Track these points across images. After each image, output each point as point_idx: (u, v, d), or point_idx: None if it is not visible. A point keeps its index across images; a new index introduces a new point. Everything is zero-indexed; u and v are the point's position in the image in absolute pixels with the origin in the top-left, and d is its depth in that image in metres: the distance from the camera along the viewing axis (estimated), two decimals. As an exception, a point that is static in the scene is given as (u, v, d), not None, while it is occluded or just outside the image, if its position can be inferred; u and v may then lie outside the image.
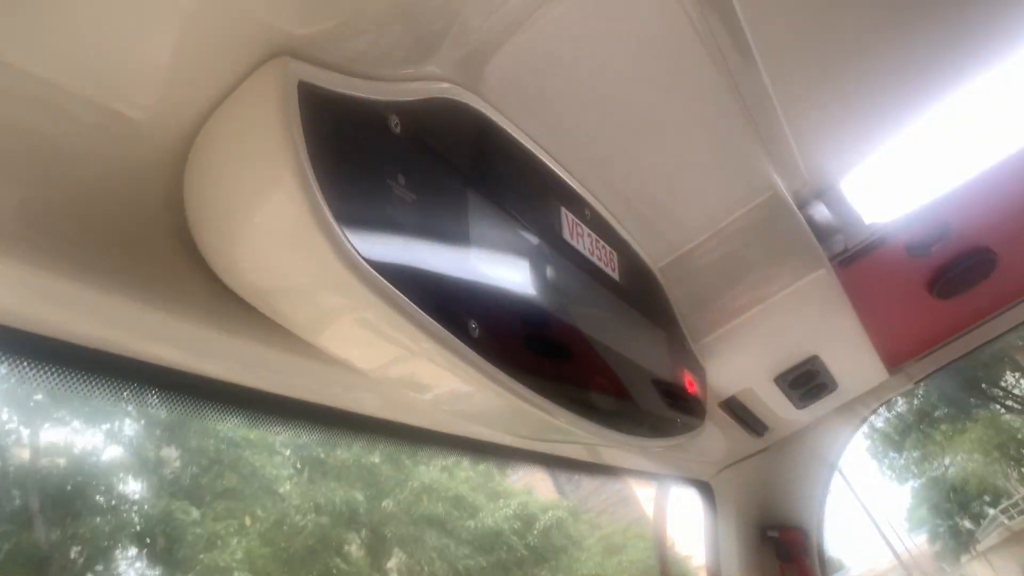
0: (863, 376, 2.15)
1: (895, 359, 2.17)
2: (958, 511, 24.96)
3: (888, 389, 2.30)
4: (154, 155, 0.64)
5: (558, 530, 15.91)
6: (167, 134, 0.63)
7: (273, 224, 0.61)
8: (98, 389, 0.72)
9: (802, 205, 1.49)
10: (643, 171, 1.22)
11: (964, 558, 24.95)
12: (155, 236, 0.67)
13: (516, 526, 15.41)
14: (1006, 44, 1.31)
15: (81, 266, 0.62)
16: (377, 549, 14.75)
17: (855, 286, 1.64)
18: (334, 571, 13.48)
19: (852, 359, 1.97)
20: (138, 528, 12.14)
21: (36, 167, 0.58)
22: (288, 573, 12.92)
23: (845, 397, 2.19)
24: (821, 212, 1.53)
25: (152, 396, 0.77)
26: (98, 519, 11.84)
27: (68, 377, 0.69)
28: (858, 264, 1.67)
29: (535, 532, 15.60)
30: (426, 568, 14.47)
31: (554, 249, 1.00)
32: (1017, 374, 25.27)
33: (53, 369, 0.68)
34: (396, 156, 0.72)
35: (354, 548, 14.59)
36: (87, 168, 0.61)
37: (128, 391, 0.75)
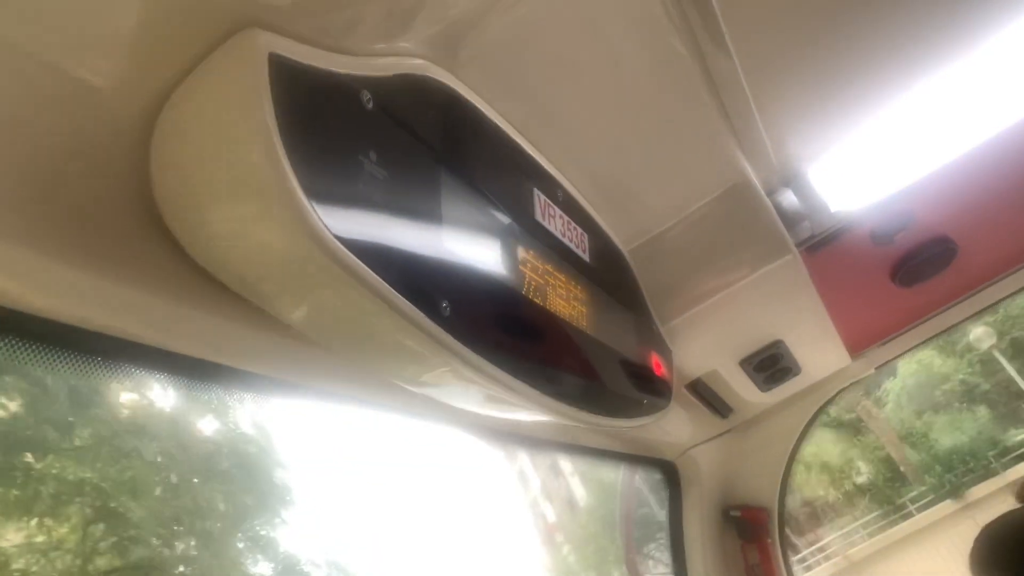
0: (826, 361, 2.19)
1: (857, 345, 2.22)
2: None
3: (850, 374, 2.36)
4: (119, 125, 0.62)
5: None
6: (133, 104, 0.62)
7: (241, 199, 0.60)
8: (60, 362, 0.71)
9: (770, 192, 1.51)
10: (615, 154, 1.23)
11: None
12: (120, 209, 0.66)
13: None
14: (971, 37, 1.33)
15: (42, 238, 0.61)
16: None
17: (821, 272, 1.67)
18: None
19: (816, 344, 2.01)
20: None
21: None
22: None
23: (808, 381, 2.24)
24: (789, 199, 1.56)
25: (116, 370, 0.77)
26: None
27: (28, 349, 0.69)
28: (824, 251, 1.70)
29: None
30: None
31: (526, 230, 1.00)
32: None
33: (12, 341, 0.67)
34: (368, 132, 0.71)
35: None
36: (48, 137, 0.60)
37: (91, 365, 0.74)
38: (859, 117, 1.44)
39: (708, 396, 2.05)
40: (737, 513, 2.52)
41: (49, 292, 0.66)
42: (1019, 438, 23.60)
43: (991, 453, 23.28)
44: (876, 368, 2.40)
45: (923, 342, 2.36)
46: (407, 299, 0.67)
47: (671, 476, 2.47)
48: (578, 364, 1.08)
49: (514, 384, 0.85)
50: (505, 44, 0.95)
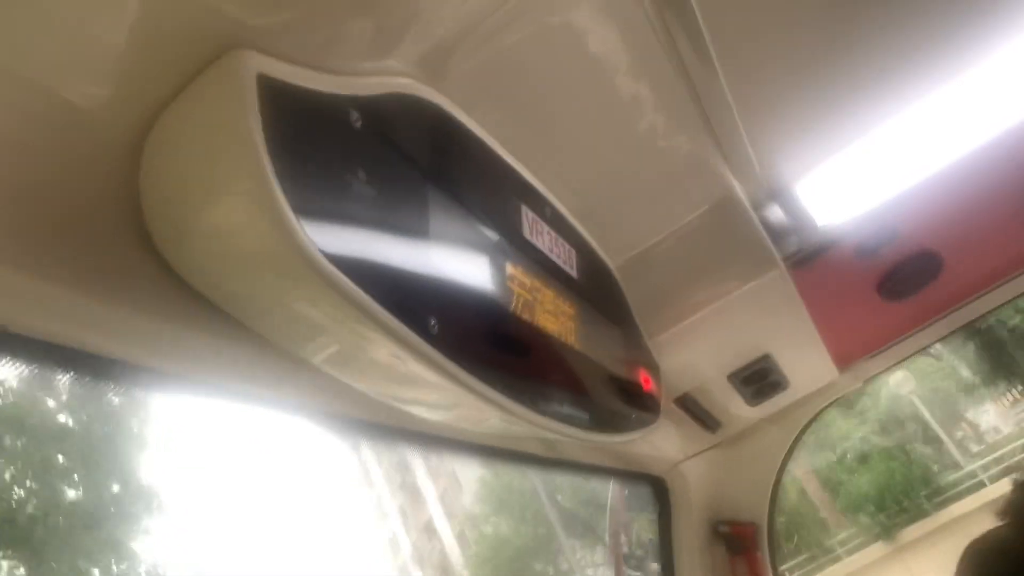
0: (814, 375, 2.20)
1: (845, 358, 2.22)
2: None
3: (838, 388, 2.36)
4: (107, 147, 0.63)
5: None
6: (121, 125, 0.62)
7: (230, 217, 0.60)
8: (48, 380, 0.70)
9: (757, 207, 1.52)
10: (602, 170, 1.23)
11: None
12: (108, 229, 0.66)
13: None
14: (959, 53, 1.35)
15: (30, 258, 0.61)
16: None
17: (807, 286, 1.67)
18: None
19: (803, 358, 2.02)
20: None
21: None
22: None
23: (796, 395, 2.24)
24: (776, 214, 1.56)
25: (102, 388, 0.76)
26: None
27: (13, 367, 0.68)
28: (810, 265, 1.71)
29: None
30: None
31: (513, 246, 1.00)
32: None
33: (11, 364, 0.66)
34: (356, 151, 0.72)
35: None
36: (35, 157, 0.60)
37: (78, 382, 0.74)
38: (845, 131, 1.45)
39: (696, 410, 2.05)
40: (726, 528, 2.51)
41: (35, 312, 0.65)
42: (952, 478, 23.37)
43: (923, 493, 22.87)
44: (864, 382, 2.41)
45: (911, 355, 2.37)
46: (395, 316, 0.67)
47: (660, 491, 2.46)
48: (566, 379, 1.08)
49: (502, 401, 0.85)
50: (493, 62, 0.95)
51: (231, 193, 0.59)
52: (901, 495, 22.68)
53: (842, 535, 24.58)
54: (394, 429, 1.16)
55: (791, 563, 23.34)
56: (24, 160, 0.59)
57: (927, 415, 24.94)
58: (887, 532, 22.32)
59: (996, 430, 26.64)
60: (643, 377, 1.43)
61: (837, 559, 23.75)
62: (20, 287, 0.62)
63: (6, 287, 0.61)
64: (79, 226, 0.64)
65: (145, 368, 0.77)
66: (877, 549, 22.38)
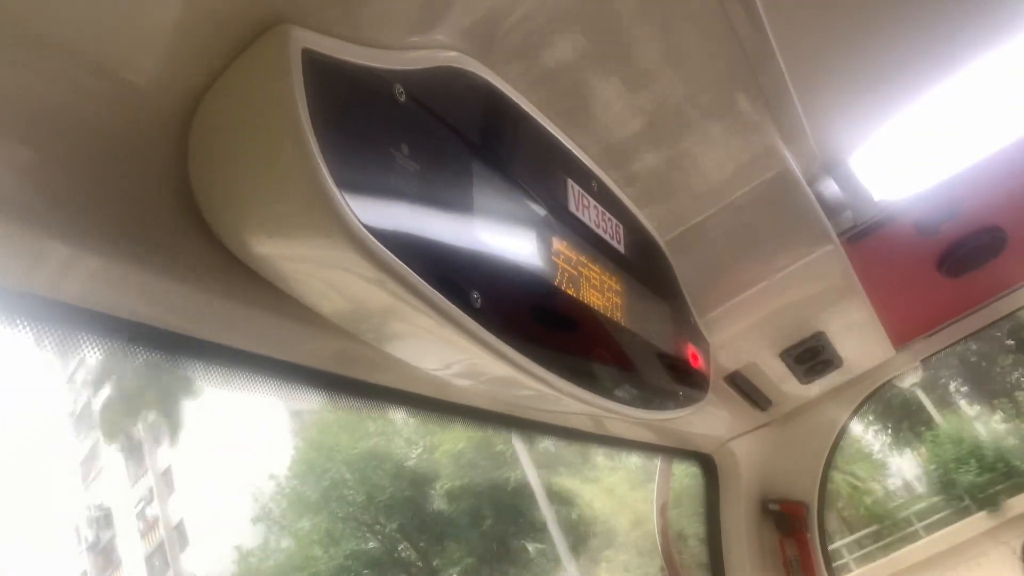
0: (869, 353, 2.15)
1: (902, 336, 2.16)
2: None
3: (894, 366, 2.31)
4: (158, 122, 0.64)
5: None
6: (171, 101, 0.64)
7: (276, 192, 0.61)
8: (102, 351, 0.73)
9: (811, 180, 1.48)
10: (651, 144, 1.21)
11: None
12: (160, 202, 0.68)
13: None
14: (1019, 18, 1.29)
15: (86, 232, 0.63)
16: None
17: (863, 263, 1.63)
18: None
19: (858, 336, 1.97)
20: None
21: (41, 132, 0.58)
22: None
23: (850, 373, 2.20)
24: (830, 188, 1.52)
25: (157, 360, 0.78)
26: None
27: (71, 339, 0.71)
28: (866, 241, 1.66)
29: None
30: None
31: (559, 221, 1.00)
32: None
33: (56, 331, 0.69)
34: (401, 125, 0.72)
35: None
36: (92, 134, 0.61)
37: (134, 354, 0.76)
38: (901, 104, 1.40)
39: (747, 388, 2.02)
40: (776, 507, 2.49)
41: (90, 283, 0.67)
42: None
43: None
44: (921, 360, 2.35)
45: (971, 334, 2.30)
46: (437, 289, 0.68)
47: (708, 469, 2.45)
48: (612, 355, 1.08)
49: (546, 375, 0.85)
50: (539, 34, 0.94)
51: (275, 166, 0.60)
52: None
53: (921, 505, 21.02)
54: (441, 403, 1.17)
55: (844, 540, 20.27)
56: (78, 136, 0.61)
57: (929, 406, 22.37)
58: (991, 501, 18.40)
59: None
60: (692, 354, 1.41)
61: (913, 537, 19.75)
62: (74, 258, 0.64)
63: (61, 258, 0.63)
64: (132, 199, 0.66)
65: (192, 339, 0.79)
66: (975, 524, 18.26)
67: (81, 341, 0.71)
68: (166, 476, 29.91)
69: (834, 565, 2.59)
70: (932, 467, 22.10)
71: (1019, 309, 2.22)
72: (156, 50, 0.60)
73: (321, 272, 0.68)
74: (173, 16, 0.59)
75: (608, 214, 1.16)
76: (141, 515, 30.36)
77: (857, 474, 22.83)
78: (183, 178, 0.66)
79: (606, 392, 1.01)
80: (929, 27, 1.24)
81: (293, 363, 0.91)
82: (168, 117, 0.64)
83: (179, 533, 28.83)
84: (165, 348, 0.78)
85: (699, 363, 1.44)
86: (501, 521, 21.70)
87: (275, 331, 0.84)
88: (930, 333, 2.25)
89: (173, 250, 0.70)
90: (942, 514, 20.38)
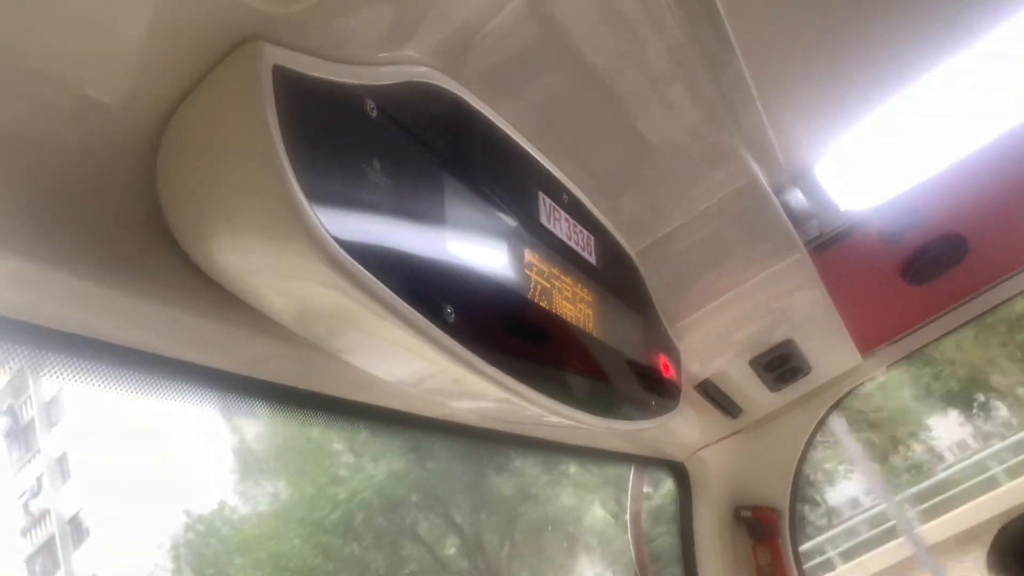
0: (836, 360, 2.18)
1: (868, 343, 2.20)
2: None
3: (861, 373, 2.34)
4: (126, 140, 0.63)
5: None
6: (140, 119, 0.63)
7: (246, 208, 0.61)
8: (70, 372, 0.71)
9: (778, 191, 1.50)
10: (621, 156, 1.22)
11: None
12: (128, 220, 0.67)
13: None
14: (980, 27, 1.32)
15: (53, 250, 0.62)
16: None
17: (830, 271, 1.66)
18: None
19: (826, 343, 2.00)
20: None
21: (4, 151, 0.57)
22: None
23: (818, 380, 2.22)
24: (797, 198, 1.55)
25: (125, 379, 0.77)
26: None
27: (38, 359, 0.69)
28: (833, 249, 1.69)
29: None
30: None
31: (531, 233, 1.00)
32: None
33: (23, 351, 0.67)
34: (372, 140, 0.72)
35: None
36: (58, 153, 0.60)
37: (100, 374, 0.74)
38: (866, 114, 1.43)
39: (717, 396, 2.04)
40: (748, 513, 2.50)
41: (57, 303, 0.66)
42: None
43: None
44: (887, 367, 2.39)
45: (936, 340, 2.34)
46: (410, 304, 0.67)
47: (681, 477, 2.46)
48: (585, 367, 1.08)
49: (520, 388, 0.84)
50: (509, 49, 0.95)
51: (246, 183, 0.60)
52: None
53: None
54: (412, 417, 1.16)
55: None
56: (45, 154, 0.60)
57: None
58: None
59: None
60: (663, 363, 1.42)
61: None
62: (41, 277, 0.62)
63: (28, 278, 0.62)
64: (100, 217, 0.65)
65: (162, 357, 0.77)
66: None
67: (44, 361, 0.70)
68: (61, 462, 26.78)
69: (817, 560, 2.61)
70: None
71: (983, 314, 2.26)
72: (124, 68, 0.60)
73: (294, 287, 0.67)
74: (142, 34, 0.58)
75: (579, 226, 1.16)
76: (25, 508, 27.19)
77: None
78: (152, 195, 0.65)
79: (580, 404, 1.01)
80: (890, 36, 1.26)
81: (265, 380, 0.90)
82: (137, 134, 0.63)
83: (73, 527, 25.88)
84: (131, 366, 0.76)
85: (670, 372, 1.45)
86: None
87: (246, 347, 0.83)
88: (895, 339, 2.28)
89: (141, 267, 0.69)
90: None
